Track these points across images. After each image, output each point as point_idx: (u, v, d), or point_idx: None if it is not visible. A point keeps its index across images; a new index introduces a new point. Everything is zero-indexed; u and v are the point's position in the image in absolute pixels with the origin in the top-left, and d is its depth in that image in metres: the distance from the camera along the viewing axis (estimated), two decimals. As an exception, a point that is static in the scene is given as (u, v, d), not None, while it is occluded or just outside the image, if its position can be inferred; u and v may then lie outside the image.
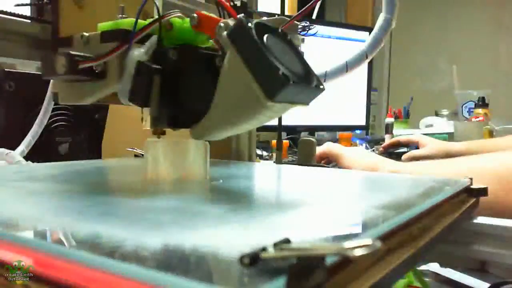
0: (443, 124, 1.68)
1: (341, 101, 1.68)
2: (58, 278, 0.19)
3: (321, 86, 0.34)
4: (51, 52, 0.37)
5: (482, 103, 1.57)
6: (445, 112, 1.89)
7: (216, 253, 0.20)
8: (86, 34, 0.38)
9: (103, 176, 0.49)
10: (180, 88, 0.37)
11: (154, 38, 0.36)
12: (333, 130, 1.77)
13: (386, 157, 1.13)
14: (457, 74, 1.81)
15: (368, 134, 1.89)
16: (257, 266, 0.18)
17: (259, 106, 0.32)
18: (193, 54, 0.38)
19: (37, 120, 0.72)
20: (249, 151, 0.69)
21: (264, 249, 0.18)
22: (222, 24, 0.33)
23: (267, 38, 0.32)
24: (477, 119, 1.49)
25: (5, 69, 0.83)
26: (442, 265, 0.53)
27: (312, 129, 1.67)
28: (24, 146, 0.70)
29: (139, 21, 0.36)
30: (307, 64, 0.34)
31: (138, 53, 0.35)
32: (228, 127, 0.35)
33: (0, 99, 0.82)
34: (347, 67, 0.59)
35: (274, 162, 1.03)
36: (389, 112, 1.66)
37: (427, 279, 0.49)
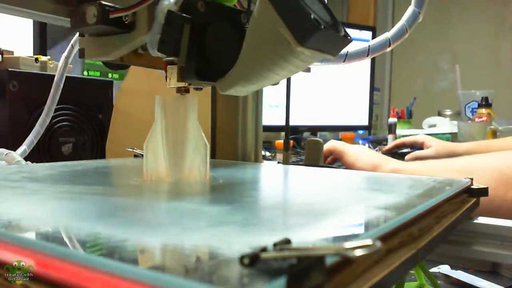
0: (446, 124, 1.67)
1: (343, 101, 1.68)
2: (58, 278, 0.19)
3: (349, 37, 0.34)
4: (81, 4, 0.38)
5: (485, 103, 1.56)
6: (448, 112, 1.88)
7: (216, 253, 0.20)
8: None
9: (102, 176, 0.49)
10: (207, 41, 0.37)
11: None
12: (335, 130, 1.77)
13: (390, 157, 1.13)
14: (460, 74, 1.81)
15: (371, 134, 1.89)
16: (257, 266, 0.18)
17: (288, 53, 0.32)
18: (219, 8, 0.39)
19: (39, 120, 0.72)
20: (255, 152, 0.69)
21: (264, 249, 0.18)
22: None
23: None
24: (481, 119, 1.49)
25: (9, 69, 0.83)
26: (453, 267, 0.53)
27: (314, 129, 1.67)
28: (26, 146, 0.70)
29: None
30: (334, 15, 0.35)
31: (168, 3, 0.35)
32: (255, 78, 0.35)
33: (3, 99, 0.82)
34: (368, 51, 0.59)
35: (278, 162, 1.03)
36: (392, 112, 1.66)
37: (438, 282, 0.48)
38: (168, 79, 0.40)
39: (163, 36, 0.35)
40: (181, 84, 0.40)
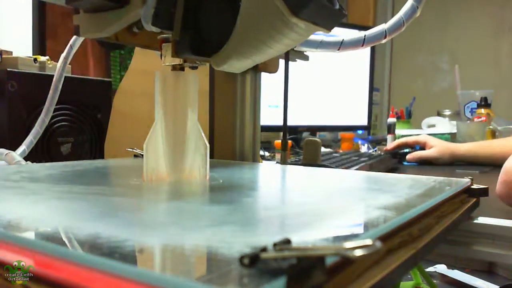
0: (445, 124, 1.67)
1: (343, 101, 1.67)
2: (58, 278, 0.19)
3: (344, 11, 0.34)
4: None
5: (484, 103, 1.56)
6: (447, 112, 1.89)
7: (216, 253, 0.20)
8: None
9: (102, 176, 0.49)
10: (201, 15, 0.37)
11: None
12: (335, 130, 1.77)
13: (390, 157, 1.13)
14: (459, 74, 1.81)
15: (370, 134, 1.89)
16: (257, 266, 0.18)
17: (283, 25, 0.31)
18: None
19: (38, 120, 0.72)
20: (253, 152, 0.69)
21: (264, 249, 0.18)
22: None
23: None
24: (480, 119, 1.49)
25: (8, 69, 0.83)
26: (450, 266, 0.53)
27: (314, 129, 1.66)
28: (25, 146, 0.70)
29: None
30: None
31: None
32: (250, 52, 0.35)
33: (2, 99, 0.82)
34: (364, 41, 0.59)
35: (277, 162, 1.03)
36: (391, 112, 1.66)
37: (434, 281, 0.49)
38: (163, 57, 0.40)
39: (157, 9, 0.35)
40: (176, 62, 0.40)
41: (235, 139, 0.68)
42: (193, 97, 0.42)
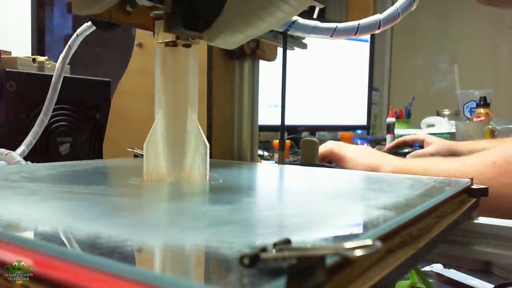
0: (444, 124, 1.68)
1: (342, 101, 1.67)
2: (58, 278, 0.19)
3: None
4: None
5: (483, 103, 1.57)
6: (446, 112, 1.89)
7: (216, 253, 0.20)
8: None
9: (102, 176, 0.49)
10: None
11: None
12: (334, 130, 1.77)
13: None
14: (458, 74, 1.81)
15: (369, 134, 1.89)
16: (257, 266, 0.18)
17: None
18: None
19: (37, 120, 0.72)
20: (251, 152, 0.69)
21: (264, 249, 0.18)
22: None
23: None
24: (479, 119, 1.49)
25: (6, 69, 0.83)
26: (446, 266, 0.53)
27: (313, 129, 1.67)
28: (25, 146, 0.70)
29: None
30: None
31: None
32: (242, 26, 0.34)
33: (1, 99, 0.82)
34: (357, 30, 0.58)
35: (275, 162, 1.03)
36: (390, 112, 1.66)
37: (430, 280, 0.49)
38: (155, 35, 0.39)
39: None
40: (169, 38, 0.40)
41: (233, 139, 0.68)
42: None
